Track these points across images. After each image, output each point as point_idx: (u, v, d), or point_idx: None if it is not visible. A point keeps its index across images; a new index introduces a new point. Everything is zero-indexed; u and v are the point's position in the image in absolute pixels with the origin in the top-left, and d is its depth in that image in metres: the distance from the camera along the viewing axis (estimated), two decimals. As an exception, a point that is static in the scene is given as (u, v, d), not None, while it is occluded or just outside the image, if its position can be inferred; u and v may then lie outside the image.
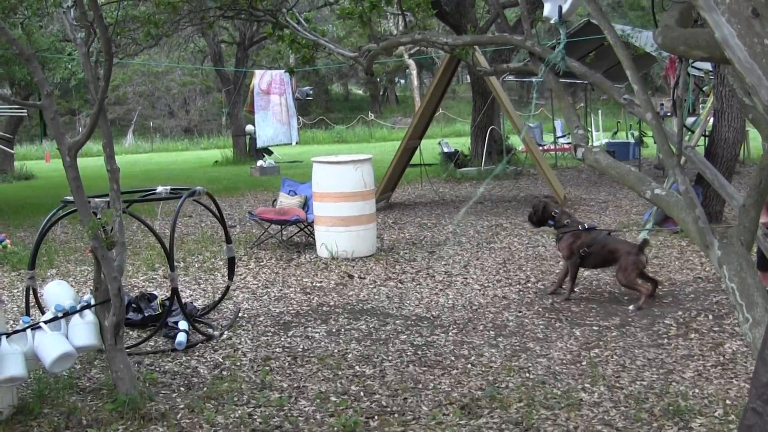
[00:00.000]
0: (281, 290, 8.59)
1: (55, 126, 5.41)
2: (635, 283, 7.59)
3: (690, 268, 8.93)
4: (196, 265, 9.98)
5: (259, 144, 24.83)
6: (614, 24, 3.94)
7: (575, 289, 8.02)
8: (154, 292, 8.14)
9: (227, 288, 7.96)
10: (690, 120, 14.50)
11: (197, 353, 6.56)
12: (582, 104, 27.20)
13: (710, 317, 7.07)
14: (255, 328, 7.23)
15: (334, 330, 7.08)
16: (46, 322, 5.33)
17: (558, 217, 8.10)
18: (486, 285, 8.57)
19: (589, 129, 25.72)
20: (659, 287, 7.81)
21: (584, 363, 6.01)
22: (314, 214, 10.42)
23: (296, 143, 27.50)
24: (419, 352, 6.37)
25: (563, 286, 8.05)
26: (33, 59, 5.36)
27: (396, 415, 5.10)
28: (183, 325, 6.91)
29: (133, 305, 7.52)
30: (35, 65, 5.35)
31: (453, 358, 6.20)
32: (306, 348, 6.58)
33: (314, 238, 10.54)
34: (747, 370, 5.70)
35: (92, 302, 5.57)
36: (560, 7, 4.62)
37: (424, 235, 11.57)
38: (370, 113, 46.54)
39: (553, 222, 8.12)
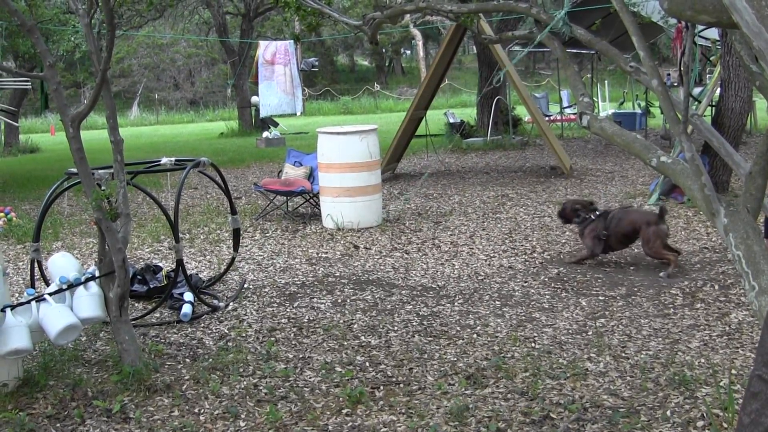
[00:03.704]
0: (287, 261, 8.59)
1: (58, 97, 5.39)
2: (661, 252, 7.59)
3: (696, 238, 8.90)
4: (202, 237, 9.98)
5: (263, 113, 24.79)
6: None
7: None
8: (160, 264, 8.14)
9: (232, 259, 7.95)
10: (697, 90, 14.41)
11: (203, 325, 6.56)
12: (589, 74, 27.06)
13: (716, 287, 7.04)
14: (260, 299, 7.23)
15: (339, 300, 7.08)
16: (50, 294, 5.33)
17: (582, 215, 8.09)
18: (492, 255, 8.55)
19: (596, 99, 25.60)
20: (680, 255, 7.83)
21: (590, 333, 5.99)
22: (320, 185, 10.40)
23: (300, 114, 27.44)
24: (425, 323, 6.37)
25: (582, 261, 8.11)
26: (35, 30, 5.32)
27: (401, 386, 5.10)
28: (188, 296, 6.91)
29: (139, 277, 7.52)
30: (37, 36, 5.31)
31: (458, 328, 6.19)
32: (311, 319, 6.58)
33: (320, 209, 10.53)
34: (753, 339, 5.68)
35: (97, 274, 5.57)
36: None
37: (430, 206, 11.54)
38: (375, 84, 46.38)
39: (579, 221, 8.11)
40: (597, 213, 8.00)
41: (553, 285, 7.36)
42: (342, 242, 9.37)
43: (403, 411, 4.70)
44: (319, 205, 10.55)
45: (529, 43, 4.85)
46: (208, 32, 36.95)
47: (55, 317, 5.19)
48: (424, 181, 10.09)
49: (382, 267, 8.23)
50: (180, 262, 6.71)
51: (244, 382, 5.22)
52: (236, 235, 7.94)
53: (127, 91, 48.12)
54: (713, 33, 14.64)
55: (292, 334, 6.21)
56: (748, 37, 2.56)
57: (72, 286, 5.42)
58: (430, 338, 6.00)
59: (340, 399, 4.90)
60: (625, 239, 7.88)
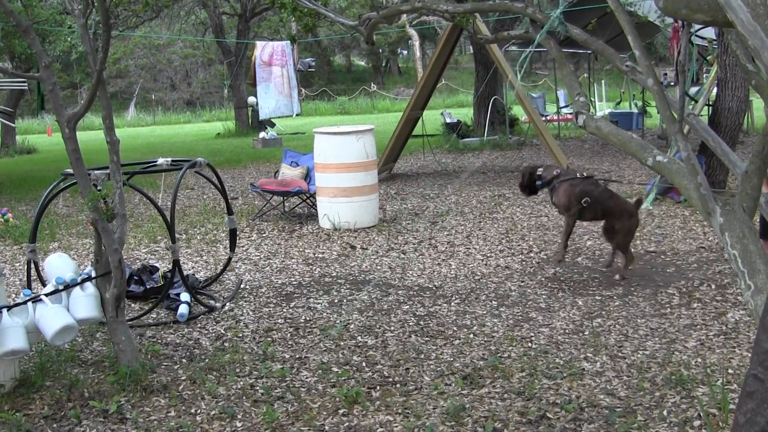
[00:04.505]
0: (283, 261, 8.59)
1: (53, 98, 5.38)
2: (629, 248, 7.50)
3: (693, 237, 8.91)
4: (198, 237, 9.98)
5: (262, 116, 24.77)
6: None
7: (578, 259, 8.00)
8: (156, 265, 8.13)
9: (229, 260, 7.95)
10: (693, 89, 14.43)
11: (199, 325, 6.56)
12: (585, 74, 27.06)
13: (713, 287, 7.05)
14: (257, 299, 7.23)
15: (336, 301, 7.07)
16: (47, 295, 5.33)
17: (543, 173, 7.57)
18: (488, 255, 8.55)
19: (593, 99, 25.60)
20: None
21: (587, 333, 6.00)
22: (316, 185, 10.39)
23: (297, 114, 27.42)
24: (421, 323, 6.37)
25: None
26: (30, 30, 5.32)
27: (398, 386, 5.10)
28: (185, 297, 6.91)
29: (135, 277, 7.51)
30: (33, 37, 5.31)
31: (455, 328, 6.19)
32: (308, 319, 6.58)
33: (316, 209, 10.52)
34: (749, 339, 5.68)
35: (93, 274, 5.56)
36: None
37: (427, 206, 11.54)
38: (372, 84, 46.36)
39: (540, 181, 7.59)
40: (581, 174, 7.53)
41: (549, 285, 7.36)
42: (338, 242, 9.37)
43: (399, 411, 4.70)
44: (316, 206, 10.55)
45: (529, 44, 4.84)
46: (204, 33, 36.93)
47: (52, 318, 5.18)
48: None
49: (378, 267, 8.23)
50: (176, 263, 6.71)
51: (241, 383, 5.22)
52: (233, 235, 7.94)
53: (124, 92, 48.06)
54: (710, 32, 14.66)
55: (289, 335, 6.21)
56: (744, 36, 2.56)
57: (68, 286, 5.41)
58: (426, 338, 6.00)
59: (337, 399, 4.90)
60: (600, 216, 7.46)
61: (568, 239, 7.63)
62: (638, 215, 7.58)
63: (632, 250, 7.67)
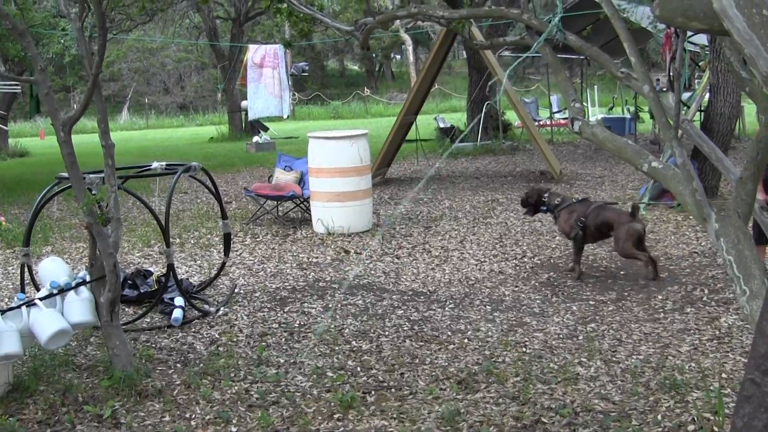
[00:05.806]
0: (277, 266, 8.58)
1: (49, 102, 5.38)
2: (632, 252, 7.49)
3: (686, 242, 8.93)
4: (192, 242, 9.97)
5: (251, 116, 24.69)
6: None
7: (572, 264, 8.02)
8: (150, 269, 8.12)
9: (223, 264, 7.94)
10: (685, 95, 14.47)
11: (194, 329, 6.55)
12: (578, 79, 27.13)
13: (706, 291, 7.07)
14: (251, 303, 7.23)
15: (330, 305, 7.07)
16: (41, 299, 5.32)
17: (548, 200, 8.01)
18: (482, 260, 8.56)
19: (586, 104, 25.65)
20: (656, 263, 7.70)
21: (581, 337, 6.01)
22: (310, 189, 10.40)
23: (287, 117, 27.36)
24: (416, 327, 6.37)
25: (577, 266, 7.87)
26: (26, 34, 5.31)
27: (393, 390, 5.11)
28: (179, 301, 6.90)
29: (129, 282, 7.50)
30: (28, 40, 5.30)
31: (449, 333, 6.20)
32: (302, 323, 6.58)
33: (310, 214, 10.52)
34: (743, 343, 5.70)
35: (87, 279, 5.56)
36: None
37: (420, 211, 11.55)
38: (366, 89, 46.36)
39: (545, 206, 8.04)
40: (576, 198, 7.97)
41: (543, 290, 7.38)
42: (333, 247, 9.37)
43: (394, 416, 4.71)
44: (310, 210, 10.55)
45: (523, 49, 4.85)
46: (198, 36, 36.93)
47: (46, 322, 5.18)
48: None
49: (372, 272, 8.23)
50: (170, 267, 6.71)
51: (236, 387, 5.22)
52: (227, 239, 7.93)
53: (117, 96, 48.02)
54: (702, 38, 14.71)
55: (283, 339, 6.20)
56: (739, 44, 2.58)
57: (63, 290, 5.41)
58: (421, 343, 6.00)
59: (332, 404, 4.90)
60: (598, 234, 7.78)
61: (579, 258, 7.84)
62: (636, 222, 7.53)
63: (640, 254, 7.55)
